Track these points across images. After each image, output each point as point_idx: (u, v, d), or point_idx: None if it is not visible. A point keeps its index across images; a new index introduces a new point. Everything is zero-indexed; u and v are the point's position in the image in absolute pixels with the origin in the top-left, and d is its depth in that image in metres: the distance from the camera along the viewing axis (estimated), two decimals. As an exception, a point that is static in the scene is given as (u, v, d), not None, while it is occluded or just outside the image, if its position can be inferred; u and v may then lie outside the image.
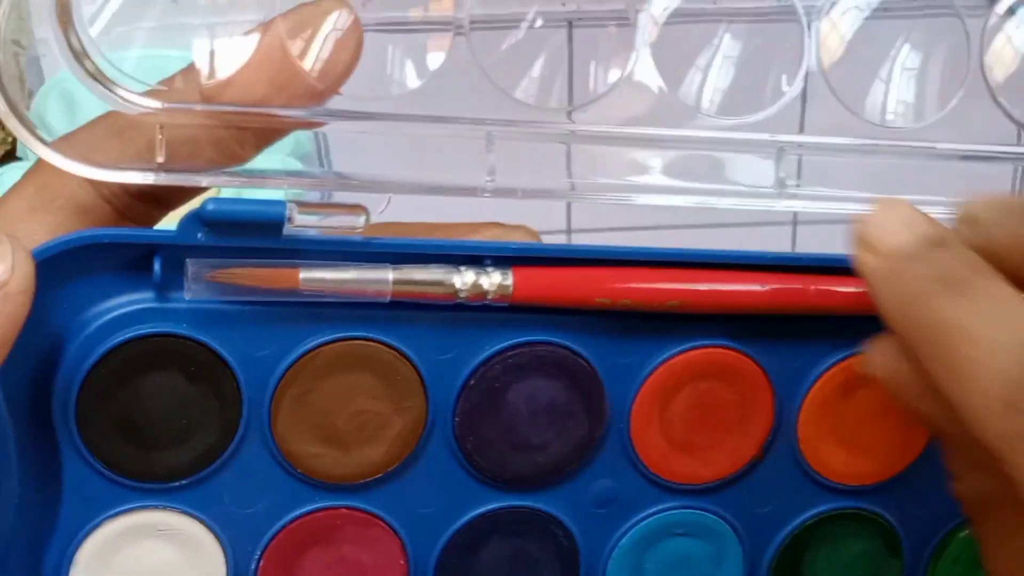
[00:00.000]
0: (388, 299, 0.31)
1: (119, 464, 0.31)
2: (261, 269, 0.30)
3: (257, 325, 0.31)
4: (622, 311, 0.32)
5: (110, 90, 0.30)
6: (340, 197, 0.31)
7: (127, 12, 0.32)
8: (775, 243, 0.73)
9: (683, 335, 0.34)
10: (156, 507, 0.32)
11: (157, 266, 0.30)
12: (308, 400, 0.32)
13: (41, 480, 0.31)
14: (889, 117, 0.36)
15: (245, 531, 0.33)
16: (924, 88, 0.36)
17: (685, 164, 0.34)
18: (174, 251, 0.30)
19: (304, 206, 0.30)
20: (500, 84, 0.32)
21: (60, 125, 0.33)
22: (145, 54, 0.32)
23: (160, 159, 0.30)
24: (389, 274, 0.31)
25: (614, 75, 0.34)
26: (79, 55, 0.29)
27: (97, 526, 0.32)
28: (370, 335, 0.32)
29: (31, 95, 0.65)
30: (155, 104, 0.30)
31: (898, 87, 0.36)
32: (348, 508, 0.33)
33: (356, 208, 0.31)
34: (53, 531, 0.32)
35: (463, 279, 0.31)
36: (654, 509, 0.36)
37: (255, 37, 0.31)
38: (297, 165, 0.49)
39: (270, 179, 0.31)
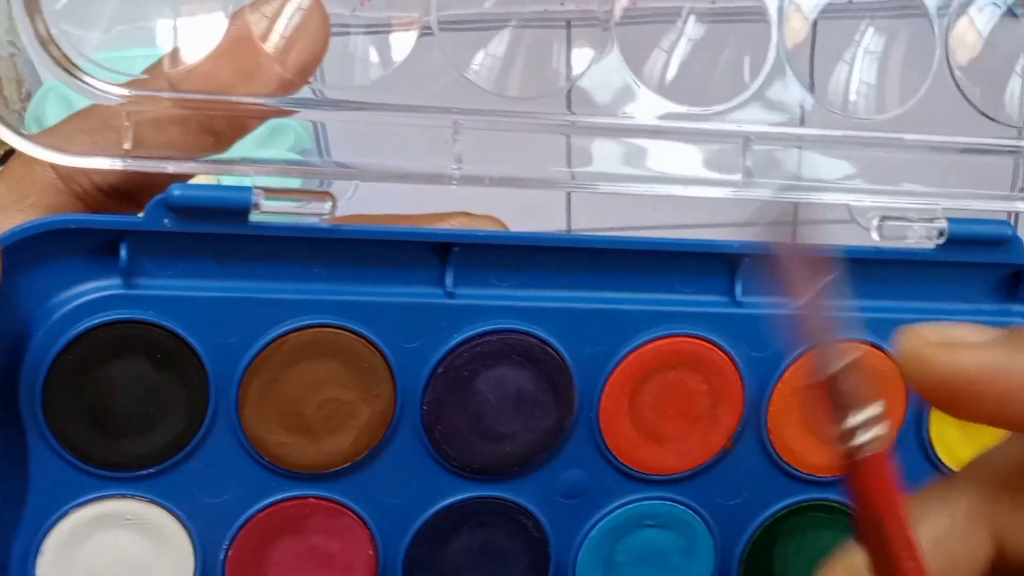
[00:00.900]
0: None
1: (86, 452, 0.31)
2: None
3: (224, 312, 0.31)
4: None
5: (76, 77, 0.30)
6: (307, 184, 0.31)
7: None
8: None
9: (652, 324, 0.34)
10: (123, 496, 0.32)
11: (123, 252, 0.30)
12: (275, 388, 0.32)
13: (7, 468, 0.31)
14: (855, 108, 0.36)
15: (213, 521, 0.33)
16: (890, 78, 0.36)
17: (652, 154, 0.34)
18: (140, 237, 0.30)
19: (270, 192, 0.30)
20: (464, 72, 0.33)
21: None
22: (113, 49, 0.32)
23: (127, 145, 0.30)
24: None
25: (583, 64, 0.34)
26: (44, 41, 0.29)
27: (64, 515, 0.32)
28: (337, 322, 0.32)
29: (29, 97, 0.65)
30: (122, 91, 0.31)
31: (864, 77, 0.36)
32: (317, 498, 0.33)
33: (323, 194, 0.31)
34: (20, 520, 0.31)
35: None
36: (624, 500, 0.36)
37: (222, 26, 0.31)
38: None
39: (237, 166, 0.31)
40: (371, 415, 0.33)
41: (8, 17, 0.30)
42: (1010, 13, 0.37)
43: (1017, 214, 0.57)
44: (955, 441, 0.37)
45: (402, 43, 0.33)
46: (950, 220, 0.35)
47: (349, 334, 0.32)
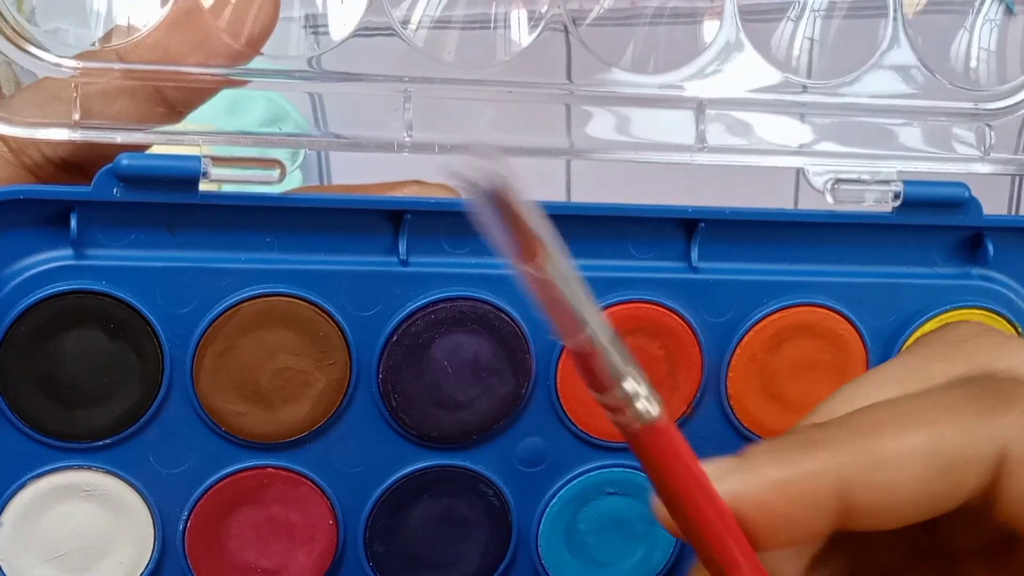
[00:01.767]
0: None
1: (41, 423, 0.32)
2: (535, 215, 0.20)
3: (177, 282, 0.32)
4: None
5: (24, 51, 0.30)
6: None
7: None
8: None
9: (608, 290, 0.34)
10: (81, 467, 0.32)
11: (74, 222, 0.31)
12: (230, 357, 0.32)
13: (-37, 440, 0.31)
14: (813, 71, 0.36)
15: (171, 491, 0.33)
16: (846, 42, 0.36)
17: (601, 121, 0.34)
18: (90, 208, 0.31)
19: (219, 160, 0.31)
20: (413, 40, 0.33)
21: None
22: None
23: (76, 116, 0.31)
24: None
25: (531, 30, 0.34)
26: (-10, 12, 0.30)
27: (21, 486, 0.32)
28: (290, 291, 0.32)
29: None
30: (71, 63, 0.31)
31: (819, 41, 0.36)
32: (275, 467, 0.33)
33: (271, 162, 0.31)
34: (-23, 492, 0.32)
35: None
36: (584, 467, 0.36)
37: (171, -4, 0.31)
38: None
39: (186, 136, 0.31)
40: (327, 384, 0.33)
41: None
42: (1007, 10, 0.37)
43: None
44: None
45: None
46: (906, 183, 0.35)
47: (303, 303, 0.32)
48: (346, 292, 0.33)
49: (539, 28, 0.34)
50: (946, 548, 0.27)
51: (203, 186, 0.31)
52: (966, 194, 0.35)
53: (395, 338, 0.33)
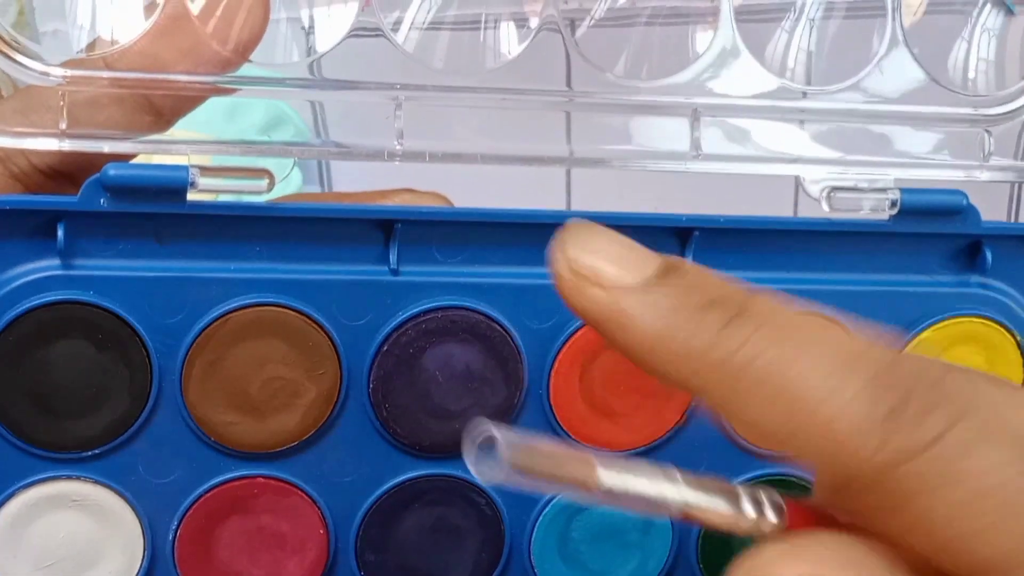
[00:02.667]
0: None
1: (30, 434, 0.31)
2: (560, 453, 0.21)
3: (165, 292, 0.31)
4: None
5: (11, 59, 0.30)
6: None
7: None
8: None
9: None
10: (69, 477, 0.32)
11: (61, 233, 0.30)
12: (219, 367, 0.32)
13: (-49, 451, 0.31)
14: (810, 77, 0.36)
15: (161, 501, 0.33)
16: (843, 48, 0.36)
17: (598, 129, 0.34)
18: (77, 218, 0.30)
19: (207, 171, 0.30)
20: (405, 48, 0.32)
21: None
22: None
23: (63, 125, 0.30)
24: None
25: (522, 37, 0.34)
26: (-24, 22, 0.29)
27: (10, 497, 0.32)
28: (280, 301, 0.32)
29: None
30: (58, 71, 0.31)
31: (817, 46, 0.36)
32: (265, 477, 0.33)
33: (260, 172, 0.31)
34: (-35, 503, 0.32)
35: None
36: (578, 476, 0.35)
37: (158, 4, 0.31)
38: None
39: (174, 145, 0.31)
40: (317, 393, 0.33)
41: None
42: (1007, 11, 0.37)
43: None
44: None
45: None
46: (903, 191, 0.34)
47: (292, 312, 0.32)
48: (336, 302, 0.32)
49: (531, 35, 0.33)
50: None
51: (191, 196, 0.30)
52: (964, 202, 0.35)
53: (386, 348, 0.33)
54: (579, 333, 0.34)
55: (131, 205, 0.30)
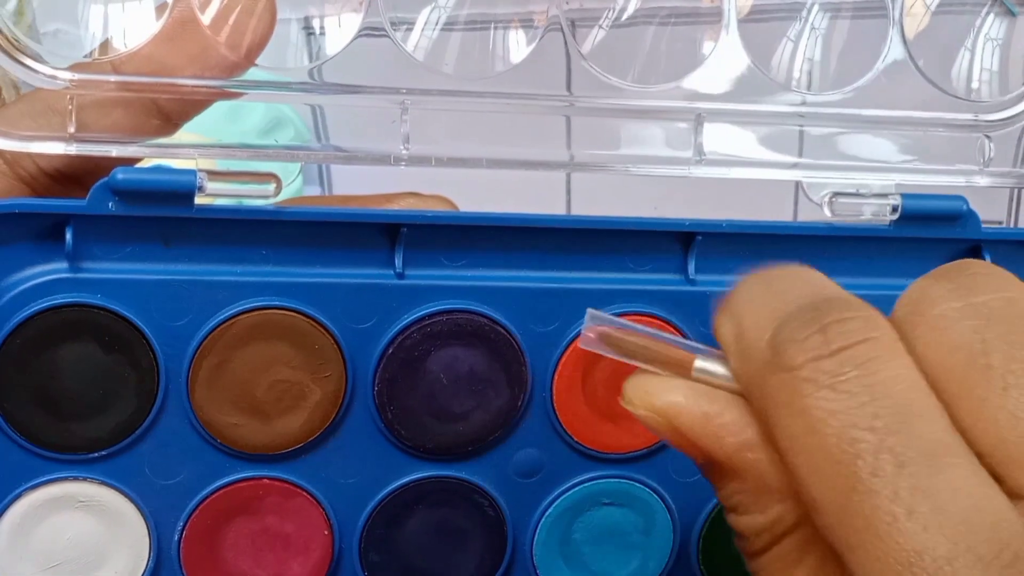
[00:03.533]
0: None
1: (37, 435, 0.32)
2: (656, 344, 0.27)
3: (172, 295, 0.32)
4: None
5: (20, 62, 0.30)
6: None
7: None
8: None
9: (604, 303, 0.34)
10: (76, 478, 0.32)
11: (69, 236, 0.31)
12: (226, 370, 0.32)
13: (-41, 452, 0.31)
14: (813, 84, 0.36)
15: (167, 502, 0.33)
16: (845, 54, 0.36)
17: (600, 133, 0.34)
18: (85, 221, 0.30)
19: (215, 175, 0.31)
20: (410, 51, 0.32)
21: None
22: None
23: (71, 129, 0.30)
24: None
25: (527, 42, 0.34)
26: (-15, 25, 0.29)
27: (17, 497, 0.32)
28: (286, 304, 0.32)
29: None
30: (66, 74, 0.31)
31: (818, 52, 0.36)
32: (270, 478, 0.34)
33: (267, 176, 0.31)
34: (-28, 503, 0.32)
35: None
36: (580, 478, 0.36)
37: (167, 7, 0.31)
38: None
39: (180, 149, 0.31)
40: (322, 396, 0.33)
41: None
42: (1008, 11, 0.37)
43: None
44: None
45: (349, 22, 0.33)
46: (904, 196, 0.35)
47: (298, 315, 0.32)
48: (342, 305, 0.33)
49: (537, 38, 0.33)
50: None
51: (198, 200, 0.30)
52: (964, 207, 0.35)
53: (391, 351, 0.33)
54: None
55: (139, 209, 0.30)
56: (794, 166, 0.34)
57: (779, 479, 0.25)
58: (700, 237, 0.34)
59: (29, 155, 0.31)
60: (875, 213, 0.35)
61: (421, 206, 0.33)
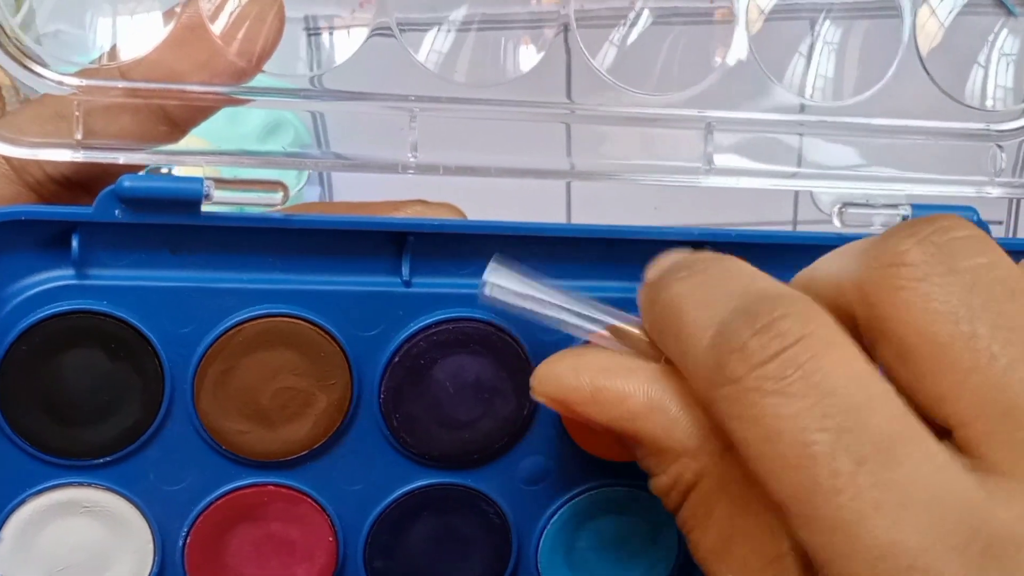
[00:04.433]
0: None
1: (42, 441, 0.32)
2: (555, 302, 0.29)
3: (178, 302, 0.32)
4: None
5: (28, 68, 0.30)
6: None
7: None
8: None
9: (608, 311, 0.34)
10: (81, 484, 0.32)
11: (75, 243, 0.31)
12: (231, 377, 0.32)
13: (-36, 457, 0.31)
14: (822, 93, 0.36)
15: (172, 508, 0.33)
16: (856, 63, 0.36)
17: (610, 142, 0.34)
18: (92, 228, 0.30)
19: (222, 183, 0.30)
20: (420, 59, 0.32)
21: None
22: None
23: (78, 135, 0.30)
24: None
25: (534, 51, 0.34)
26: (-8, 31, 0.29)
27: (22, 503, 0.32)
28: (292, 311, 0.32)
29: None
30: (73, 80, 0.31)
31: (825, 62, 0.36)
32: (275, 485, 0.33)
33: (275, 184, 0.31)
34: (-23, 509, 0.32)
35: None
36: (586, 486, 0.36)
37: (175, 14, 0.31)
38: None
39: (188, 156, 0.31)
40: (328, 403, 0.33)
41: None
42: (1007, 11, 0.37)
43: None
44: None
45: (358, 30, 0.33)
46: (914, 206, 0.34)
47: (304, 323, 0.32)
48: (348, 313, 0.32)
49: (547, 45, 0.33)
50: None
51: (205, 208, 0.30)
52: (975, 218, 0.35)
53: (397, 359, 0.33)
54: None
55: (145, 216, 0.30)
56: (802, 176, 0.34)
57: (670, 441, 0.26)
58: (709, 247, 0.34)
59: (36, 161, 0.31)
60: (885, 223, 0.34)
61: (428, 214, 0.33)
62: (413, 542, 0.35)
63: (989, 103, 0.35)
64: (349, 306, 0.32)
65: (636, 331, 0.28)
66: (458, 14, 0.33)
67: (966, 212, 0.35)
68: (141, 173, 0.31)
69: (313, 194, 0.60)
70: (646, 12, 0.34)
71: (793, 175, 0.35)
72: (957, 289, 0.23)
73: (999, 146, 0.36)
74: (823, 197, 0.35)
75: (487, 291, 0.28)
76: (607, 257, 0.34)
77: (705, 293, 0.25)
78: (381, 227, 0.32)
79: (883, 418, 0.22)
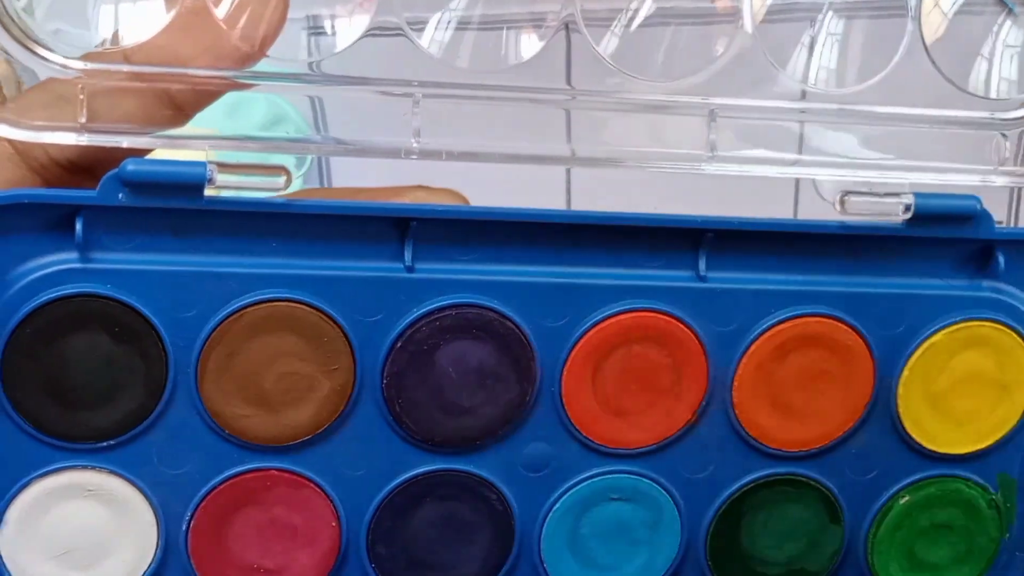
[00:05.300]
0: None
1: (46, 424, 0.32)
2: None
3: (182, 286, 0.32)
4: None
5: (32, 52, 0.30)
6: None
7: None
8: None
9: (614, 299, 0.34)
10: (85, 467, 0.32)
11: (79, 226, 0.31)
12: (234, 361, 0.32)
13: (-32, 440, 0.31)
14: (826, 81, 0.36)
15: (175, 492, 0.33)
16: (859, 51, 0.36)
17: (613, 129, 0.34)
18: (96, 212, 0.31)
19: (225, 167, 0.30)
20: (423, 45, 0.32)
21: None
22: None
23: (82, 119, 0.30)
24: None
25: (536, 38, 0.34)
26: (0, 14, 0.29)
27: (26, 486, 0.32)
28: (295, 296, 0.32)
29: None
30: (77, 64, 0.31)
31: (831, 50, 0.36)
32: (278, 470, 0.34)
33: (277, 169, 0.31)
34: (-19, 492, 0.32)
35: None
36: (588, 473, 0.36)
37: (178, -2, 0.31)
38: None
39: (192, 141, 0.31)
40: (331, 388, 0.33)
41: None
42: (1008, 10, 0.37)
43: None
44: (926, 417, 0.37)
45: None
46: (916, 195, 0.34)
47: (307, 308, 0.32)
48: (351, 298, 0.32)
49: (552, 33, 0.33)
50: None
51: (208, 192, 0.30)
52: (977, 207, 0.35)
53: (400, 344, 0.33)
54: (592, 331, 0.34)
55: (149, 200, 0.30)
56: (805, 163, 0.34)
57: None
58: (711, 234, 0.34)
59: (41, 145, 0.31)
60: (887, 212, 0.34)
61: (430, 199, 0.33)
62: (415, 527, 0.35)
63: (993, 94, 0.35)
64: (352, 291, 0.33)
65: None
66: (459, 3, 0.33)
67: (969, 201, 0.35)
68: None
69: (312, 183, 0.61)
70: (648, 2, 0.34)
71: (795, 163, 0.35)
72: None
73: (1003, 135, 0.36)
74: (825, 185, 0.34)
75: None
76: (611, 244, 0.34)
77: None
78: (384, 212, 0.32)
79: None
